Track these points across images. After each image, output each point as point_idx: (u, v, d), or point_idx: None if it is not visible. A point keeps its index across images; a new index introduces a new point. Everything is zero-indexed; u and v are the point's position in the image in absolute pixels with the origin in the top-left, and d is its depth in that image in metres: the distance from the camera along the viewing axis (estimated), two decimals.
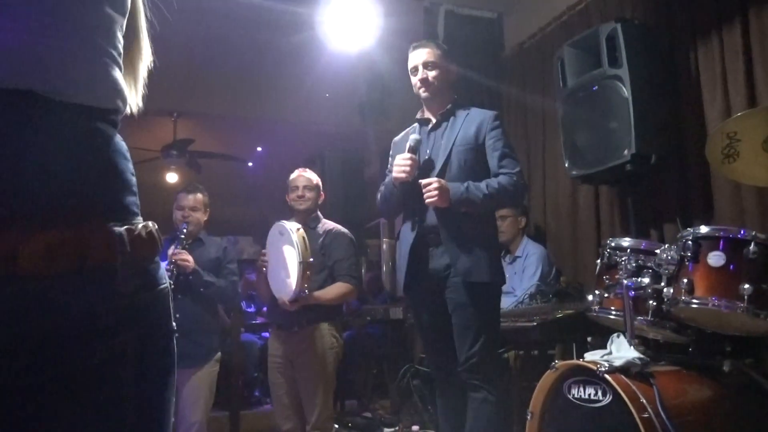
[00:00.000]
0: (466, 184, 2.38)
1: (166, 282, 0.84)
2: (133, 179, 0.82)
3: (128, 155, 0.82)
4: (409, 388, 4.01)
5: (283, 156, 6.54)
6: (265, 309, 6.21)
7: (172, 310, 0.84)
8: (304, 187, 3.20)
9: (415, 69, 2.59)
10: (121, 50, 0.84)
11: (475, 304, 2.37)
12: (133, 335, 0.76)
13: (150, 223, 0.82)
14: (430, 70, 2.56)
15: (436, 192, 2.33)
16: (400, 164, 2.45)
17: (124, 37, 0.85)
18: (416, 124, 2.67)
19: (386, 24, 4.26)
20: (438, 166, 2.48)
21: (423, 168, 2.51)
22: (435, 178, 2.39)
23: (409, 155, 2.45)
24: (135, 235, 0.77)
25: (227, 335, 4.51)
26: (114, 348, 0.74)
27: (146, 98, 0.95)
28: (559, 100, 3.46)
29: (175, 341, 0.83)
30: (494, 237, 2.59)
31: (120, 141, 0.81)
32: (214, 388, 3.16)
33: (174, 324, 0.84)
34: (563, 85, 3.40)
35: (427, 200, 2.36)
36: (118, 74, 0.82)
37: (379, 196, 2.67)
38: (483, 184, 2.38)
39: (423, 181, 2.39)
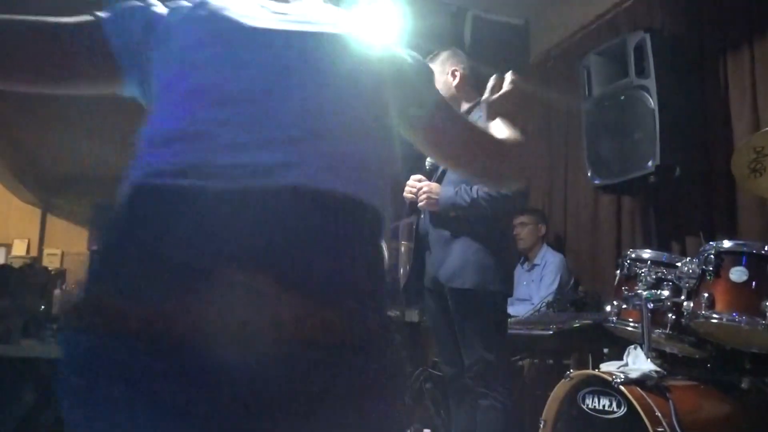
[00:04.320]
0: (456, 188, 2.36)
1: None
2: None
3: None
4: (421, 391, 4.00)
5: None
6: None
7: None
8: None
9: None
10: None
11: (466, 313, 2.33)
12: None
13: None
14: None
15: (424, 196, 2.37)
16: (410, 185, 2.48)
17: None
18: None
19: (412, 27, 4.26)
20: (440, 169, 2.47)
21: (427, 172, 2.52)
22: (425, 182, 2.42)
23: (419, 177, 2.47)
24: None
25: None
26: None
27: None
28: (583, 108, 3.44)
29: None
30: (494, 243, 2.39)
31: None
32: None
33: None
34: (588, 93, 3.38)
35: (419, 204, 2.41)
36: None
37: None
38: (474, 188, 2.33)
39: (417, 185, 2.43)
